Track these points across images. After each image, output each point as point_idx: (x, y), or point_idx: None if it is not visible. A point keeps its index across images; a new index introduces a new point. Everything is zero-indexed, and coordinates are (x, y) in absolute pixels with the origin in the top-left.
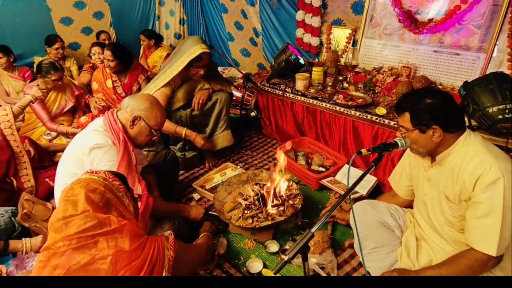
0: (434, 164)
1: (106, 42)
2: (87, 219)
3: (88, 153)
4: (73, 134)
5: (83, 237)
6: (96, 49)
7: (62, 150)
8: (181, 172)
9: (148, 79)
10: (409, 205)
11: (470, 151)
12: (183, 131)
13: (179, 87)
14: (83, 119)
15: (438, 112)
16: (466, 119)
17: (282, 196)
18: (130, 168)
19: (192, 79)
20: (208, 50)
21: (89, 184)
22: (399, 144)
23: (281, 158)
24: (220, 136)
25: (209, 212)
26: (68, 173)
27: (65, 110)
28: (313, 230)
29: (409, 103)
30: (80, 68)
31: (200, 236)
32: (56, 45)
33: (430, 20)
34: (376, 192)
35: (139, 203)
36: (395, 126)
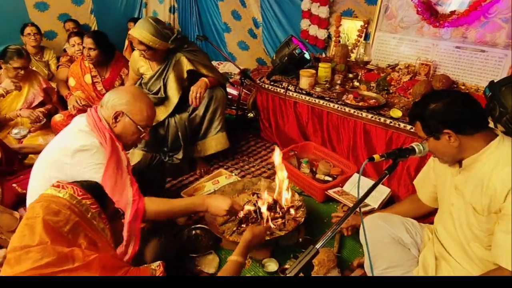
0: (462, 170)
1: (71, 31)
2: (44, 253)
3: (72, 156)
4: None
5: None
6: (75, 40)
7: (37, 152)
8: (168, 179)
9: None
10: (428, 215)
11: (503, 158)
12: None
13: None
14: (57, 117)
15: (444, 115)
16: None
17: (283, 208)
18: (119, 170)
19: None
20: (132, 34)
21: (50, 205)
22: (417, 149)
23: (277, 158)
24: (214, 138)
25: (199, 225)
26: (45, 178)
27: (34, 105)
28: (317, 246)
29: (416, 112)
30: (57, 60)
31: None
32: (28, 30)
33: (452, 12)
34: (389, 205)
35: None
36: (412, 130)
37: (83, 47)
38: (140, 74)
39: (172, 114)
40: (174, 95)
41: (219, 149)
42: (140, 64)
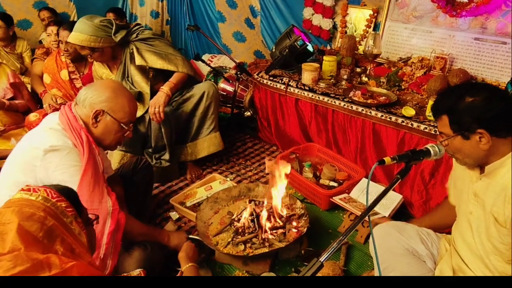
0: (483, 175)
1: (46, 22)
2: (16, 261)
3: (42, 157)
4: None
5: None
6: (53, 29)
7: (4, 157)
8: (155, 184)
9: None
10: None
11: None
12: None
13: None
14: (32, 116)
15: (482, 112)
16: None
17: (283, 216)
18: (97, 177)
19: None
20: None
21: (22, 208)
22: (432, 152)
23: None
24: (206, 139)
25: (190, 236)
26: (14, 182)
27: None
28: (322, 259)
29: (446, 104)
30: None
31: (181, 268)
32: None
33: (471, 0)
34: (401, 214)
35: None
36: (426, 130)
37: (60, 41)
38: None
39: None
40: (144, 88)
41: (212, 151)
42: (101, 71)
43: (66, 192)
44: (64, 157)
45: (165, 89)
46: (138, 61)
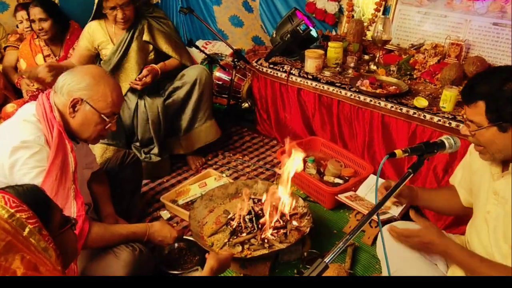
0: (506, 173)
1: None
2: None
3: (10, 153)
4: None
5: None
6: (22, 15)
7: None
8: (145, 181)
9: None
10: (458, 223)
11: None
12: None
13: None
14: (9, 107)
15: None
16: None
17: (285, 215)
18: (62, 178)
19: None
20: None
21: None
22: (447, 144)
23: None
24: (202, 129)
25: (184, 237)
26: None
27: None
28: (327, 259)
29: (485, 88)
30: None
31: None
32: None
33: None
34: (408, 216)
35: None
36: (440, 123)
37: (32, 21)
38: (94, 51)
39: (141, 96)
40: (132, 69)
41: (209, 140)
42: (98, 37)
43: (30, 196)
44: (31, 156)
45: (157, 67)
46: (146, 37)
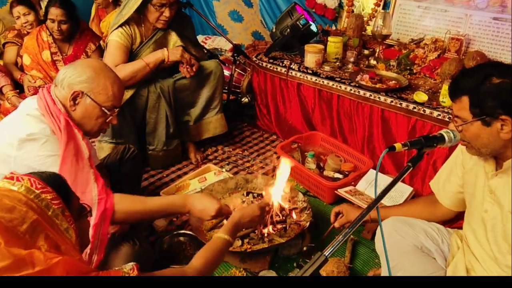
0: (500, 172)
1: None
2: None
3: (18, 146)
4: None
5: None
6: (19, 10)
7: None
8: (145, 175)
9: (101, 49)
10: (449, 219)
11: None
12: (160, 54)
13: (145, 44)
14: (7, 103)
15: (510, 96)
16: None
17: (284, 210)
18: (79, 163)
19: (162, 32)
20: None
21: (2, 200)
22: (446, 137)
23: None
24: (212, 120)
25: (183, 231)
26: None
27: None
28: (326, 252)
29: (468, 83)
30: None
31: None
32: None
33: None
34: None
35: (93, 218)
36: (440, 117)
37: (51, 20)
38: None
39: (152, 80)
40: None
41: (218, 132)
42: (138, 40)
43: (53, 181)
44: (41, 147)
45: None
46: (179, 42)
